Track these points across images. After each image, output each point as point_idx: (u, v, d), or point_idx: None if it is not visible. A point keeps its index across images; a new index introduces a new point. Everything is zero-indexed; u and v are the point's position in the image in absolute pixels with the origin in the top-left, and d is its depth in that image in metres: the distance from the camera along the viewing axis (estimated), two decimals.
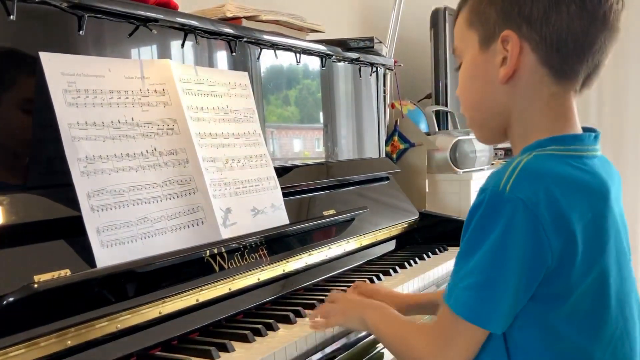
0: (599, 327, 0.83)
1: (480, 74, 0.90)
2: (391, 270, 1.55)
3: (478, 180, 2.43)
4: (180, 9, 1.33)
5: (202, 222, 1.19)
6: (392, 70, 2.24)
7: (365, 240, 1.68)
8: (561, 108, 0.87)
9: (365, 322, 1.04)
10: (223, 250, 1.19)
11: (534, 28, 0.83)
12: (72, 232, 1.00)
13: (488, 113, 0.92)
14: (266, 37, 1.52)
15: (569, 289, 0.80)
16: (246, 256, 1.25)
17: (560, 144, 0.85)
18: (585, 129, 0.89)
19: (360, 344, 1.18)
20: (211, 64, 1.41)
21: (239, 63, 1.47)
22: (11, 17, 0.99)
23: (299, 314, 1.18)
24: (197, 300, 1.12)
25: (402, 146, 2.42)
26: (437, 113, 2.80)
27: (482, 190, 0.82)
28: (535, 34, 0.83)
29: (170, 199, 1.15)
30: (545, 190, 0.78)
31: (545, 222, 0.77)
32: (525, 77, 0.86)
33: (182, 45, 1.31)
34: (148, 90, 1.19)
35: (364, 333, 1.19)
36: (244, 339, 1.05)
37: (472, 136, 2.43)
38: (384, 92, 2.23)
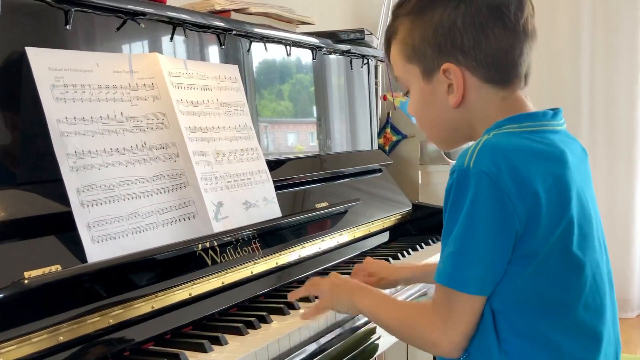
0: (569, 280, 0.88)
1: (430, 101, 0.97)
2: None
3: None
4: (168, 2, 1.32)
5: (193, 216, 1.19)
6: (383, 62, 2.24)
7: (359, 232, 1.68)
8: (513, 104, 0.94)
9: (357, 307, 1.06)
10: (215, 244, 1.19)
11: (469, 55, 0.91)
12: (62, 227, 1.00)
13: (447, 130, 0.99)
14: (256, 29, 1.51)
15: (536, 248, 0.85)
16: (239, 249, 1.25)
17: (515, 122, 0.91)
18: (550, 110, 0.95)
19: (354, 334, 1.18)
20: (201, 57, 1.40)
21: (229, 56, 1.46)
22: None
23: (292, 307, 1.18)
24: (190, 295, 1.12)
25: (394, 138, 2.42)
26: None
27: (452, 172, 0.89)
28: (472, 59, 0.91)
29: (161, 193, 1.15)
30: (505, 161, 0.84)
31: (509, 190, 0.83)
32: (474, 96, 0.93)
33: (171, 38, 1.31)
34: (137, 84, 1.18)
35: (358, 323, 1.19)
36: (237, 331, 1.05)
37: None
38: (376, 84, 2.23)
